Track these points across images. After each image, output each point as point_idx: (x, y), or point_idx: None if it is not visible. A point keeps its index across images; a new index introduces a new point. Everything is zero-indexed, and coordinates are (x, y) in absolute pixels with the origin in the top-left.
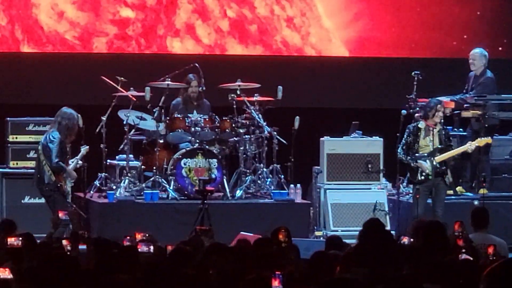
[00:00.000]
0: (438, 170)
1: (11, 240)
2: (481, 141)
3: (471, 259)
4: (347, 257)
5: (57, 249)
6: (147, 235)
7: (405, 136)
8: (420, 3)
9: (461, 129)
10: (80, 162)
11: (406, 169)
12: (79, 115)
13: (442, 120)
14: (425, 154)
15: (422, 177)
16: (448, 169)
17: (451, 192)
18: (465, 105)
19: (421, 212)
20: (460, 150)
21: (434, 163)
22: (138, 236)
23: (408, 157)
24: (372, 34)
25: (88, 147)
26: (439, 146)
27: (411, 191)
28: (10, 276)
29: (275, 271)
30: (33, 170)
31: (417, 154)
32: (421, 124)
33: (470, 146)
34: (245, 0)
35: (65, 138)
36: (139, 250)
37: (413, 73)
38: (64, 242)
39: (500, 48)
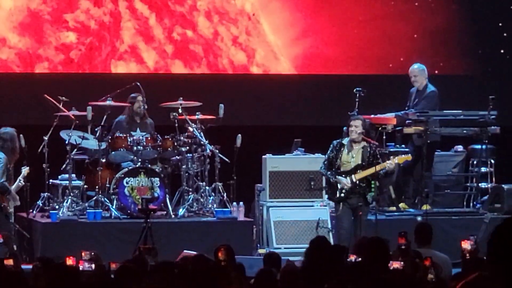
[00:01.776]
0: (356, 188)
1: None
2: (401, 158)
3: (400, 267)
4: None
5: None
6: (92, 253)
7: (328, 151)
8: (365, 19)
9: (403, 145)
10: (22, 182)
11: (327, 185)
12: (21, 135)
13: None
14: (347, 171)
15: (342, 195)
16: (391, 186)
17: (393, 208)
18: (407, 121)
19: (345, 232)
20: (380, 167)
21: (354, 180)
22: (83, 254)
23: (328, 173)
24: (318, 50)
25: (28, 167)
26: (362, 164)
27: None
28: None
29: None
30: None
31: (339, 171)
32: (345, 140)
33: (390, 163)
34: (189, 21)
35: (10, 158)
36: (81, 268)
37: (355, 89)
38: (8, 262)
39: (441, 64)
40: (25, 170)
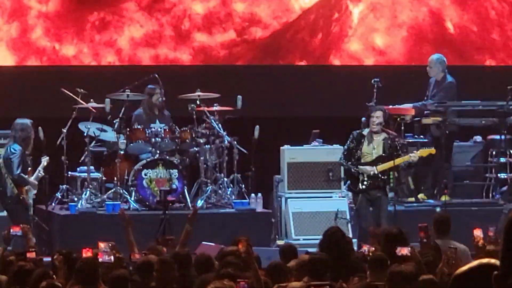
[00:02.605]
0: (378, 180)
1: None
2: (424, 151)
3: (409, 254)
4: (301, 267)
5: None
6: (110, 244)
7: (348, 142)
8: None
9: (421, 136)
10: (42, 172)
11: (347, 176)
12: (40, 127)
13: (384, 130)
14: (368, 162)
15: (363, 187)
16: (409, 176)
17: (412, 199)
18: (426, 111)
19: (366, 223)
20: (402, 160)
21: (376, 172)
22: (102, 246)
23: (349, 163)
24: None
25: (48, 157)
26: (383, 155)
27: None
28: None
29: (238, 281)
30: None
31: (359, 162)
32: (365, 131)
33: (414, 156)
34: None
35: (25, 149)
36: (100, 260)
37: (372, 80)
38: (30, 254)
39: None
40: (44, 160)
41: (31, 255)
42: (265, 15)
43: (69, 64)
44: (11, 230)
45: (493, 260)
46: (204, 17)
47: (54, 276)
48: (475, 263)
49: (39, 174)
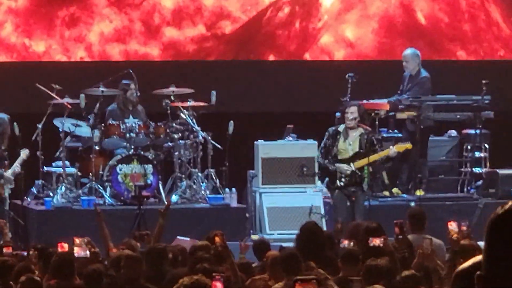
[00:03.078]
0: (355, 177)
1: None
2: (401, 147)
3: (381, 244)
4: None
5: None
6: (85, 239)
7: (324, 139)
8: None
9: (395, 131)
10: (19, 166)
11: (325, 173)
12: (15, 122)
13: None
14: (345, 159)
15: (341, 183)
16: (384, 171)
17: (387, 193)
18: (400, 106)
19: (342, 217)
20: (380, 155)
21: (353, 168)
22: (77, 241)
23: (326, 160)
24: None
25: (27, 150)
26: (360, 151)
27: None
28: None
29: (214, 275)
30: None
31: (336, 159)
32: (341, 127)
33: (391, 151)
34: None
35: (0, 144)
36: (76, 255)
37: (347, 75)
38: (7, 249)
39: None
40: (24, 153)
41: (8, 250)
42: (234, 9)
43: (44, 60)
44: None
45: None
46: (174, 11)
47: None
48: (477, 258)
49: (16, 169)
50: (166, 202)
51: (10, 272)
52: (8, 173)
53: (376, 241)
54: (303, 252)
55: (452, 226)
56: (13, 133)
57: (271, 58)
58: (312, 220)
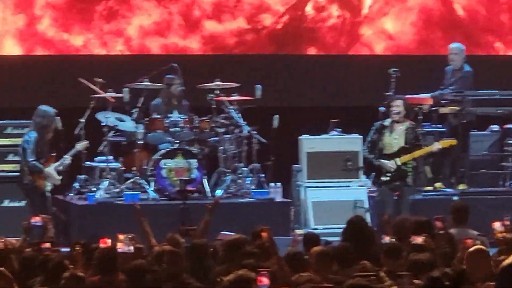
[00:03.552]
0: (400, 171)
1: None
2: (446, 142)
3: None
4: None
5: (36, 253)
6: (129, 236)
7: (370, 133)
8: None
9: (439, 125)
10: (69, 158)
11: (371, 168)
12: (58, 117)
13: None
14: (391, 153)
15: (387, 178)
16: (427, 165)
17: (430, 188)
18: (443, 101)
19: (388, 212)
20: (425, 151)
21: (398, 163)
22: (120, 237)
23: (372, 155)
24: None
25: (86, 142)
26: (405, 146)
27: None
28: None
29: (261, 270)
30: (11, 174)
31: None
32: (387, 122)
33: (435, 146)
34: None
35: (42, 136)
36: (119, 250)
37: (390, 70)
38: (45, 245)
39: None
40: (79, 145)
41: (46, 245)
42: (274, 2)
43: (86, 54)
44: (31, 221)
45: None
46: (213, 4)
47: (71, 266)
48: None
49: (64, 162)
50: (210, 197)
51: (40, 268)
52: (52, 167)
53: (418, 239)
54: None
55: (497, 225)
56: (56, 127)
57: (312, 51)
58: (359, 215)
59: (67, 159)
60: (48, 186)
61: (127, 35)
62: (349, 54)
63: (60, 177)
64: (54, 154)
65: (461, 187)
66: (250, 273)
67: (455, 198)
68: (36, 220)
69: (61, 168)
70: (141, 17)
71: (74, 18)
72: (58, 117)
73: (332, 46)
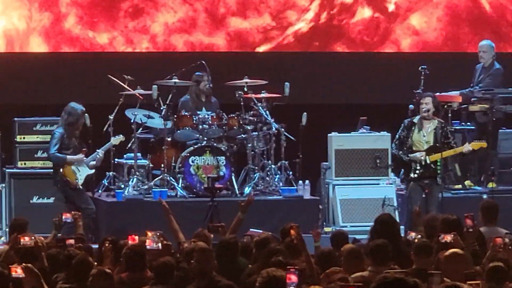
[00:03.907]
0: (430, 169)
1: (24, 240)
2: (476, 144)
3: (452, 240)
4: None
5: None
6: (158, 233)
7: (399, 131)
8: None
9: (468, 123)
10: (101, 153)
11: (400, 165)
12: (86, 114)
13: (433, 117)
14: (420, 151)
15: (415, 175)
16: (456, 163)
17: (459, 186)
18: (472, 98)
19: (416, 207)
20: (455, 151)
21: (428, 161)
22: (149, 234)
23: (400, 152)
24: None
25: (121, 136)
26: (436, 145)
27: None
28: (22, 275)
29: (289, 267)
30: (40, 170)
31: (411, 150)
32: (416, 119)
33: (466, 148)
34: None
35: (68, 133)
36: (148, 247)
37: (420, 67)
38: (69, 241)
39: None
40: (114, 139)
41: (70, 242)
42: None
43: (113, 51)
44: (63, 217)
45: None
46: (238, 1)
47: (96, 262)
48: None
49: (98, 155)
50: (238, 194)
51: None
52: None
53: (447, 238)
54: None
55: None
56: (84, 124)
57: (339, 48)
58: (387, 213)
59: (100, 153)
60: (79, 179)
61: (153, 33)
62: (377, 51)
63: (93, 171)
64: (85, 149)
65: (491, 185)
66: (281, 271)
67: (485, 196)
68: (67, 217)
69: (93, 162)
70: (167, 15)
71: (99, 16)
72: (87, 114)
73: (360, 43)
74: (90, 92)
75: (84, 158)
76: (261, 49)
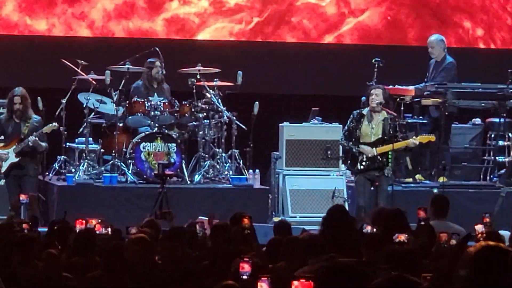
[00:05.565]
0: (378, 162)
1: None
2: (424, 138)
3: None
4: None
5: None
6: (99, 220)
7: (348, 122)
8: None
9: (421, 117)
10: (30, 142)
11: (347, 156)
12: (39, 97)
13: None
14: (367, 143)
15: (362, 167)
16: (407, 157)
17: (410, 179)
18: (426, 92)
19: (364, 202)
20: (402, 144)
21: (375, 153)
22: (92, 221)
23: (350, 143)
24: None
25: (55, 124)
26: (384, 137)
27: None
28: None
29: (243, 256)
30: None
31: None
32: (365, 111)
33: (413, 141)
34: None
35: (7, 116)
36: (97, 232)
37: (373, 60)
38: (24, 225)
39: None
40: (45, 128)
41: (26, 226)
42: None
43: (70, 35)
44: (20, 198)
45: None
46: None
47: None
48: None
49: (29, 143)
50: (188, 182)
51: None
52: (11, 148)
53: (401, 237)
54: (329, 236)
55: (479, 228)
56: (37, 107)
57: (291, 39)
58: (341, 204)
59: (30, 140)
60: (3, 166)
61: (91, 19)
62: (330, 42)
63: (18, 159)
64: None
65: (441, 179)
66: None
67: (435, 190)
68: (23, 198)
69: (20, 148)
70: (104, 1)
71: (38, 2)
72: (39, 98)
73: (306, 32)
74: (43, 76)
75: (7, 151)
76: (202, 36)
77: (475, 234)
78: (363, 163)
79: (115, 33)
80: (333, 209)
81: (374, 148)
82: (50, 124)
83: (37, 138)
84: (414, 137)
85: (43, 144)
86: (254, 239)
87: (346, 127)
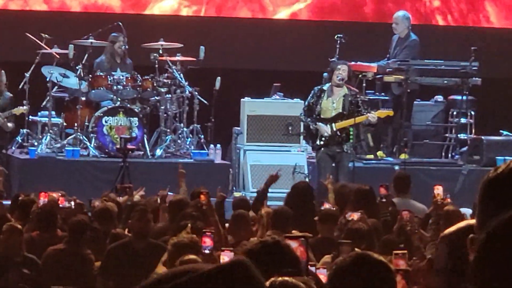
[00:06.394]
0: (337, 137)
1: None
2: (382, 113)
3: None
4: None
5: None
6: (60, 193)
7: (308, 97)
8: None
9: (383, 94)
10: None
11: (307, 132)
12: (2, 70)
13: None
14: (327, 118)
15: (321, 142)
16: (369, 134)
17: (371, 156)
18: (388, 69)
19: (325, 178)
20: (360, 119)
21: (334, 129)
22: (53, 195)
23: (309, 119)
24: None
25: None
26: (344, 112)
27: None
28: None
29: (205, 231)
30: None
31: (319, 117)
32: (326, 86)
33: (372, 116)
34: None
35: None
36: (61, 205)
37: (336, 36)
38: None
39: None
40: (15, 110)
41: None
42: None
43: (34, 10)
44: None
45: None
46: None
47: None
48: (462, 224)
49: None
50: (150, 156)
51: None
52: None
53: (354, 216)
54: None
55: (439, 190)
56: (0, 81)
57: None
58: (305, 181)
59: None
60: None
61: None
62: (294, 18)
63: None
64: None
65: (403, 156)
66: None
67: (396, 167)
68: None
69: None
70: None
71: None
72: (3, 71)
73: (270, 9)
74: (6, 49)
75: None
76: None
77: (433, 196)
78: (323, 139)
79: (71, 7)
80: (297, 186)
81: (333, 124)
82: (21, 107)
83: (5, 120)
84: (372, 112)
85: (10, 124)
86: (221, 214)
87: (306, 103)
